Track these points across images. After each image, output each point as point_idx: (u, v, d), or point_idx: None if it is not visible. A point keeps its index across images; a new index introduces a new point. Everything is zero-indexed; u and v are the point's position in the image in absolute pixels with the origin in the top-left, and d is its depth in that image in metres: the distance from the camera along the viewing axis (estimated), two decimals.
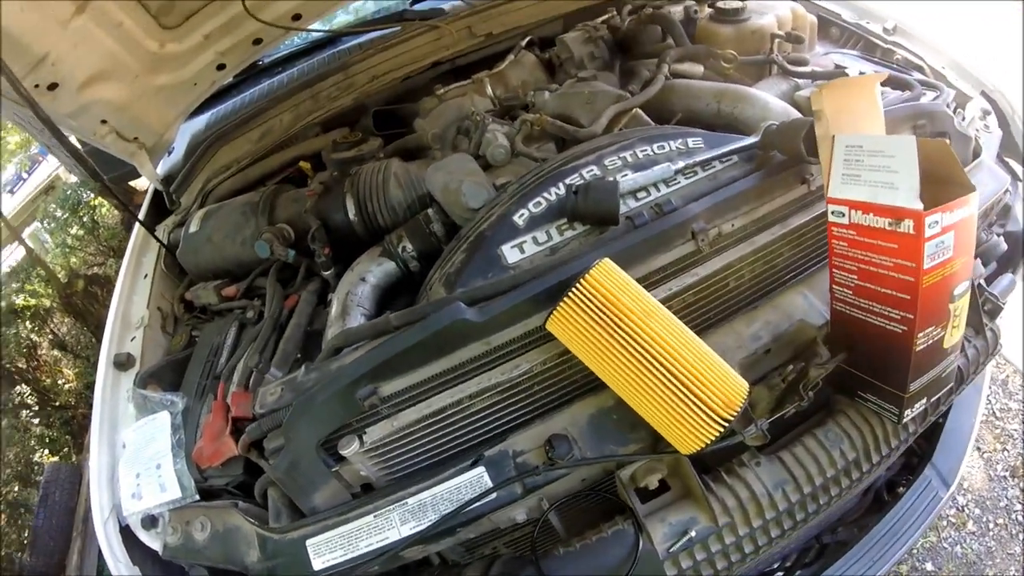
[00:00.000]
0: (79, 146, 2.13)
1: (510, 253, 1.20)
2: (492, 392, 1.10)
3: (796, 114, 1.50)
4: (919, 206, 0.86)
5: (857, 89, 1.15)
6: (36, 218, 6.21)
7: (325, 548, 1.10)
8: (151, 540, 1.36)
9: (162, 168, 2.31)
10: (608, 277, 1.00)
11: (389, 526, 1.08)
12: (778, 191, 1.24)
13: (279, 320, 1.47)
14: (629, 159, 1.29)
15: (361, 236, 1.55)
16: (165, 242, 1.93)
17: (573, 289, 0.99)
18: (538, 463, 1.07)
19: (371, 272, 1.40)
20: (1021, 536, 2.39)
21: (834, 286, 1.06)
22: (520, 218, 1.23)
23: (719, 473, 1.15)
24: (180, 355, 1.62)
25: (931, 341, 0.98)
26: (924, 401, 1.11)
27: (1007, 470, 2.57)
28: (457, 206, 1.36)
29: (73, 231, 4.75)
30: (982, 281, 1.40)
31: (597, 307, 0.98)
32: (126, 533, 1.39)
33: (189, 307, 1.80)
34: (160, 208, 2.19)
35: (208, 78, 2.10)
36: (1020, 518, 2.43)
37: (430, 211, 1.42)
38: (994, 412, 2.71)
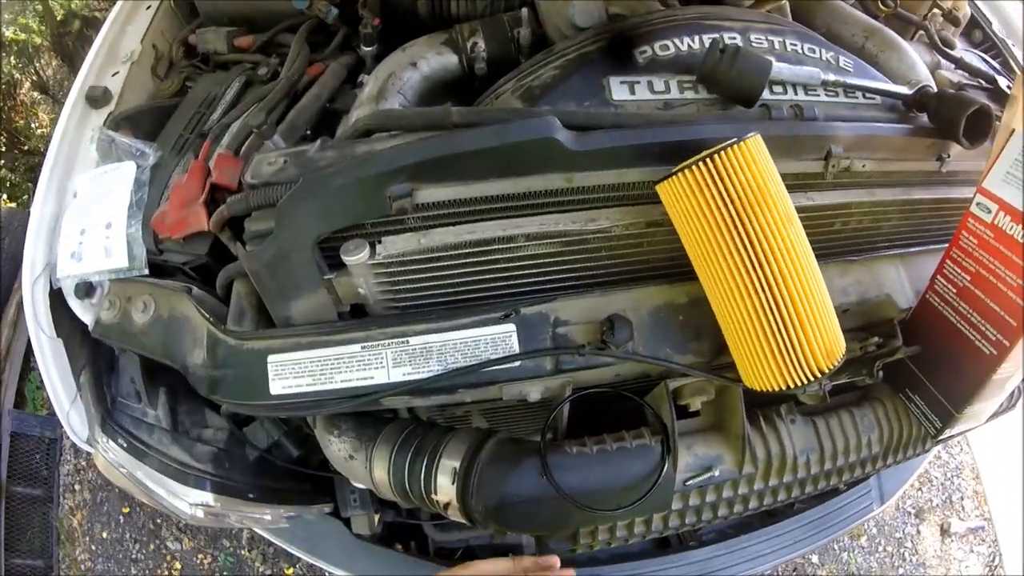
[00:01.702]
0: None
1: (618, 89, 0.97)
2: (555, 240, 0.87)
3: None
4: None
5: None
6: None
7: (290, 371, 0.87)
8: (82, 311, 1.15)
9: None
10: (758, 159, 0.76)
11: (378, 364, 0.85)
12: (914, 154, 1.08)
13: (296, 86, 1.19)
14: (776, 46, 1.07)
15: (422, 19, 1.26)
16: None
17: (713, 157, 0.75)
18: (584, 342, 0.85)
19: (426, 59, 1.12)
20: (900, 570, 2.62)
21: (939, 277, 0.94)
22: (641, 55, 1.00)
23: (755, 416, 1.03)
24: (166, 103, 1.34)
25: (1005, 375, 0.90)
26: (963, 427, 1.02)
27: (914, 508, 2.77)
28: (560, 17, 1.09)
29: None
30: None
31: (732, 189, 0.75)
32: (56, 297, 1.18)
33: (190, 53, 1.49)
34: None
35: None
36: (907, 555, 2.66)
37: (523, 12, 1.13)
38: None
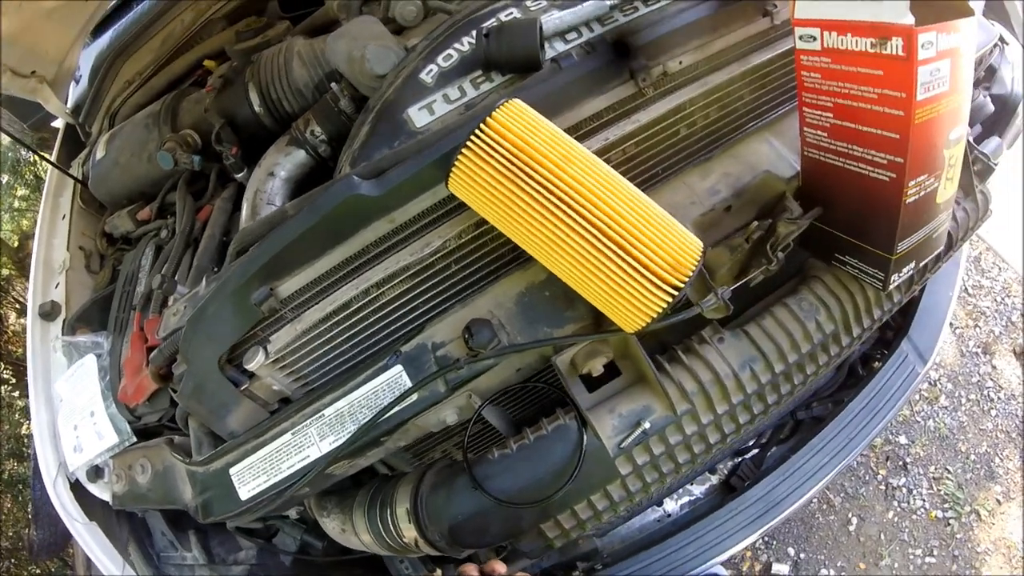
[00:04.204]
0: None
1: (418, 116, 1.10)
2: (402, 277, 1.02)
3: None
4: (910, 20, 0.74)
5: None
6: None
7: (248, 475, 1.07)
8: (101, 491, 1.39)
9: (72, 100, 2.22)
10: (516, 119, 0.87)
11: (308, 443, 1.03)
12: (735, 24, 1.14)
13: (192, 235, 1.41)
14: None
15: (271, 129, 1.45)
16: (79, 176, 1.87)
17: (472, 136, 0.87)
18: (460, 355, 0.99)
19: (279, 164, 1.30)
20: (992, 412, 2.55)
21: (805, 128, 0.93)
22: (428, 75, 1.13)
23: (675, 353, 1.06)
24: (104, 292, 1.59)
25: (923, 193, 0.87)
26: (913, 265, 1.01)
27: (979, 346, 2.72)
28: (363, 75, 1.24)
29: (19, 193, 4.72)
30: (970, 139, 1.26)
31: (504, 156, 0.85)
32: (77, 488, 1.42)
33: (112, 240, 1.75)
34: (79, 143, 2.12)
35: None
36: (992, 394, 2.59)
37: (335, 87, 1.31)
38: (967, 289, 2.85)
